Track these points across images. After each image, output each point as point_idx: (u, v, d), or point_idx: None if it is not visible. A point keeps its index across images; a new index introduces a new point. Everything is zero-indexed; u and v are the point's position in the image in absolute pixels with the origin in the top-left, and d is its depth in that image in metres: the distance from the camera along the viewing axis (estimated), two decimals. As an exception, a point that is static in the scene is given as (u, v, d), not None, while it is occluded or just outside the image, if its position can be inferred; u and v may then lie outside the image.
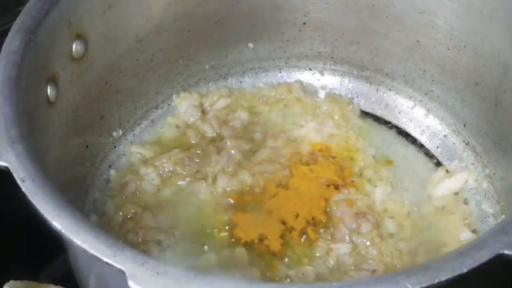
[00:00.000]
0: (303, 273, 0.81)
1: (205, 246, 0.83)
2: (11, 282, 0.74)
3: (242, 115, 0.98)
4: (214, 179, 0.89)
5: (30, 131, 0.66)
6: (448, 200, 0.89)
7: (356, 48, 0.99)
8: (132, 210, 0.86)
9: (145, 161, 0.92)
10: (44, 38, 0.74)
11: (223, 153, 0.92)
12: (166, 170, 0.91)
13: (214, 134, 0.96)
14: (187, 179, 0.90)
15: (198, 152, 0.93)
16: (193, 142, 0.95)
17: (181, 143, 0.95)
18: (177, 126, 0.98)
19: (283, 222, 0.85)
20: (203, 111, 0.99)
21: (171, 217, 0.86)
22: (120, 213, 0.86)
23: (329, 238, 0.84)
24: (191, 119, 0.98)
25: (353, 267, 0.81)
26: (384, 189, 0.89)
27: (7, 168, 0.61)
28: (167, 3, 0.91)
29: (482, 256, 0.55)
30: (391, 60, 0.98)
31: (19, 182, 0.60)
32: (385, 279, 0.53)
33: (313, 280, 0.80)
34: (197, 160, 0.91)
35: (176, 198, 0.89)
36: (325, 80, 1.03)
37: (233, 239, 0.84)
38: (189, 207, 0.87)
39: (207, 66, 1.00)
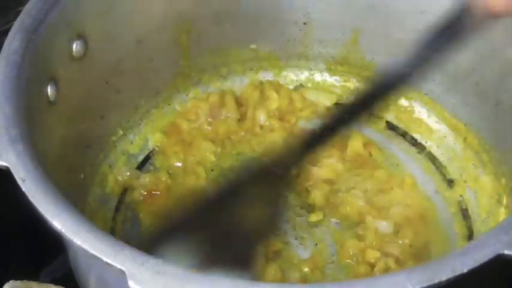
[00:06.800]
0: None
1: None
2: (11, 282, 0.74)
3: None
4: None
5: (30, 131, 0.66)
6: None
7: (356, 48, 0.99)
8: (133, 210, 0.87)
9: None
10: (44, 38, 0.74)
11: None
12: (167, 170, 0.91)
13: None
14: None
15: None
16: (193, 142, 0.95)
17: (181, 143, 0.96)
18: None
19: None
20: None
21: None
22: (120, 213, 0.87)
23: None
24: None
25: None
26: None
27: (7, 168, 0.61)
28: (167, 3, 0.91)
29: (482, 256, 0.55)
30: (391, 60, 0.98)
31: (19, 182, 0.60)
32: (385, 279, 0.53)
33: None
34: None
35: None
36: (325, 80, 1.03)
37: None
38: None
39: (207, 66, 1.00)
